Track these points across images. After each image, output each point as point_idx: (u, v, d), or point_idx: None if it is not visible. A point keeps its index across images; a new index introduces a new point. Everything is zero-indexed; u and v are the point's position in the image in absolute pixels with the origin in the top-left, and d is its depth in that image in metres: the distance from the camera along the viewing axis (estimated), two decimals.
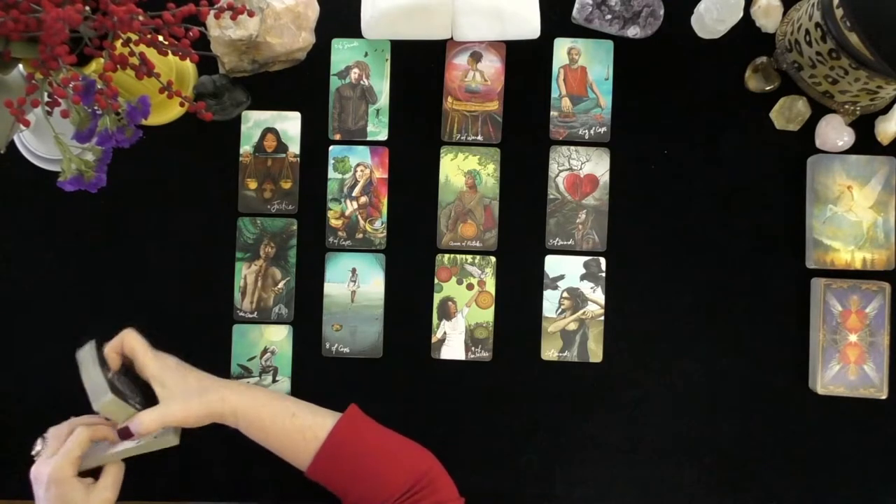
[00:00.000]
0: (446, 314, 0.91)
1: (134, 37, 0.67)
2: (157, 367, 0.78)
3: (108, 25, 0.64)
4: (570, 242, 0.91)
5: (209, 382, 0.79)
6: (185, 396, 0.76)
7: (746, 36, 0.92)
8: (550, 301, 0.91)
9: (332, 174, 0.92)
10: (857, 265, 0.89)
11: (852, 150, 0.90)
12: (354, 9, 0.90)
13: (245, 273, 0.91)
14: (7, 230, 0.92)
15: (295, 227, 0.92)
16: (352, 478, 0.77)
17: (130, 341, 0.79)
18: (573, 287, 0.91)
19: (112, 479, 0.75)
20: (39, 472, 0.74)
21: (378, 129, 0.92)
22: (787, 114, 0.91)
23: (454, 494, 0.78)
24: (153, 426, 0.75)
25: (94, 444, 0.76)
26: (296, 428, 0.77)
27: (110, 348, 0.79)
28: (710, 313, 0.91)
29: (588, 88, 0.92)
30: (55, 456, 0.73)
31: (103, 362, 0.79)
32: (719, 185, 0.92)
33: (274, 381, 0.91)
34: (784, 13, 0.91)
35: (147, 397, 0.79)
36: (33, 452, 0.77)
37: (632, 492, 0.91)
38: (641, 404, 0.91)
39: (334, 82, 0.93)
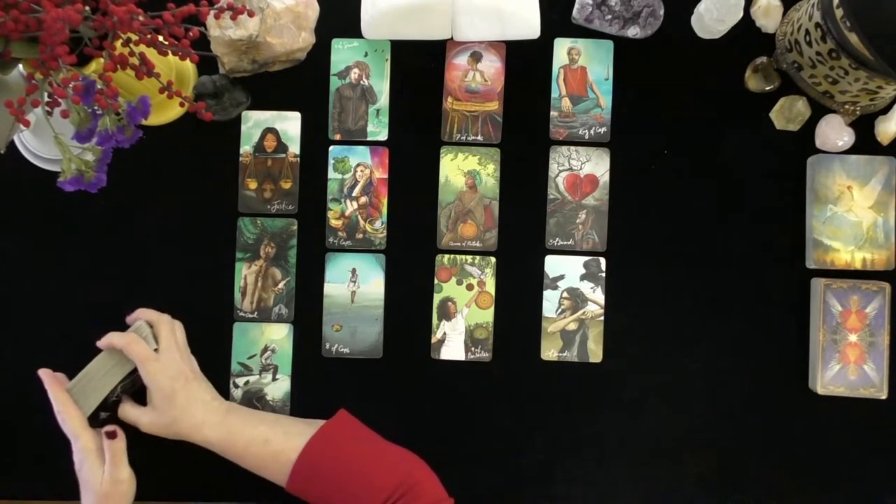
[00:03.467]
0: (446, 314, 0.91)
1: (134, 37, 0.67)
2: (152, 379, 0.81)
3: (108, 25, 0.64)
4: (570, 242, 0.91)
5: (193, 407, 0.81)
6: (160, 416, 0.81)
7: (746, 36, 0.92)
8: (550, 301, 0.91)
9: (332, 174, 0.92)
10: (857, 265, 0.89)
11: (852, 150, 0.90)
12: (354, 9, 0.90)
13: (245, 273, 0.91)
14: (7, 230, 0.92)
15: (295, 227, 0.92)
16: (327, 493, 0.77)
17: (135, 350, 0.81)
18: (573, 287, 0.91)
19: (113, 464, 0.80)
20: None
21: (378, 129, 0.92)
22: (787, 114, 0.91)
23: (440, 496, 0.78)
24: (127, 420, 0.83)
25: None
26: (269, 453, 0.80)
27: (110, 344, 0.83)
28: (710, 313, 0.91)
29: (588, 88, 0.92)
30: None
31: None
32: (719, 185, 0.92)
33: (274, 379, 0.91)
34: (784, 13, 0.91)
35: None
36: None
37: (632, 492, 0.91)
38: (641, 404, 0.91)
39: (334, 82, 0.93)
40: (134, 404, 0.83)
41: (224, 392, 0.90)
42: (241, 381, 0.91)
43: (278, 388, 0.91)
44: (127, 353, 0.81)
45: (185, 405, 0.80)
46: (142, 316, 0.86)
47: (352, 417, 0.84)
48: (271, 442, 0.80)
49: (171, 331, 0.84)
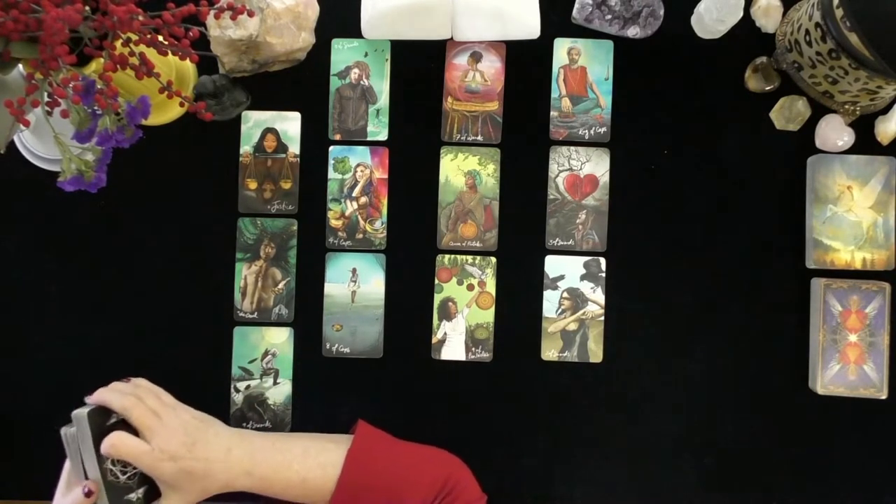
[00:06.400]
0: (447, 315, 0.91)
1: (134, 37, 0.67)
2: (153, 468, 0.71)
3: (108, 25, 0.64)
4: (570, 242, 0.91)
5: (214, 468, 0.73)
6: (187, 493, 0.73)
7: (746, 36, 0.92)
8: (550, 301, 0.91)
9: (332, 174, 0.92)
10: (857, 265, 0.89)
11: (852, 150, 0.90)
12: (354, 9, 0.90)
13: (245, 273, 0.91)
14: (7, 230, 0.92)
15: (295, 228, 0.92)
16: None
17: (119, 446, 0.71)
18: (573, 287, 0.91)
19: None
20: None
21: (378, 129, 0.92)
22: (787, 114, 0.91)
23: (477, 494, 0.78)
24: None
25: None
26: (308, 490, 0.76)
27: (103, 451, 0.71)
28: (710, 313, 0.91)
29: (588, 88, 0.92)
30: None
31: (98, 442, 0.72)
32: (719, 185, 0.92)
33: (275, 383, 0.91)
34: (784, 13, 0.91)
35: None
36: None
37: (632, 492, 0.91)
38: (641, 404, 0.91)
39: (334, 82, 0.93)
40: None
41: (225, 397, 0.90)
42: (242, 385, 0.91)
43: (279, 392, 0.91)
44: (114, 452, 0.71)
45: (203, 475, 0.73)
46: (108, 400, 0.73)
47: (373, 429, 0.82)
48: (309, 480, 0.76)
49: (146, 407, 0.73)
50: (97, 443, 0.71)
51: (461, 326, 0.91)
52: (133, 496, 0.73)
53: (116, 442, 0.70)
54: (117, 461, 0.72)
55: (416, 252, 0.92)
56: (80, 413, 0.72)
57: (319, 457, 0.77)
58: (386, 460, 0.78)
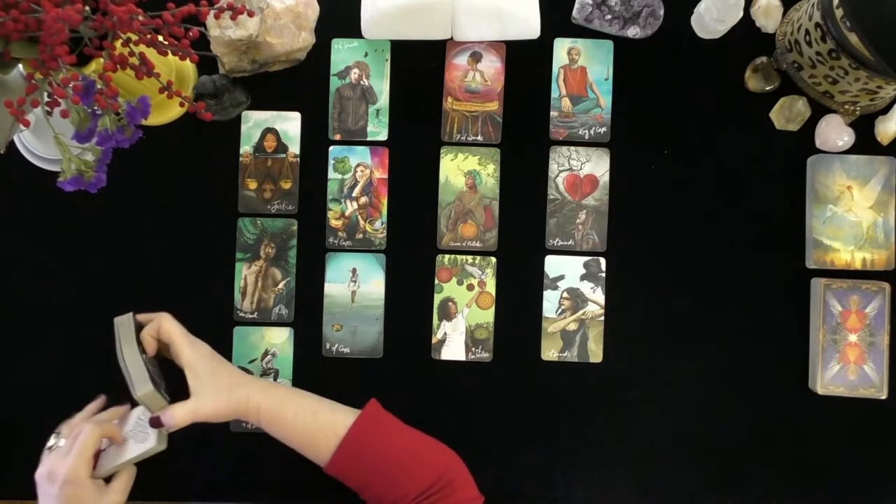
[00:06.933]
0: (447, 315, 0.91)
1: (134, 37, 0.67)
2: (194, 355, 0.78)
3: (108, 25, 0.64)
4: (570, 243, 0.91)
5: (238, 378, 0.79)
6: (216, 391, 0.77)
7: (746, 36, 0.92)
8: (550, 301, 0.91)
9: (332, 174, 0.92)
10: (857, 265, 0.89)
11: (852, 150, 0.90)
12: (354, 9, 0.90)
13: (245, 273, 0.91)
14: (7, 230, 0.92)
15: (295, 228, 0.92)
16: (370, 475, 0.77)
17: (168, 326, 0.79)
18: (573, 287, 0.91)
19: (123, 484, 0.76)
20: (53, 470, 0.73)
21: (378, 129, 0.92)
22: (787, 114, 0.91)
23: (474, 493, 0.79)
24: (185, 420, 0.75)
25: (102, 450, 0.76)
26: (317, 426, 0.77)
27: (147, 332, 0.79)
28: (710, 313, 0.91)
29: (588, 88, 0.92)
30: (70, 455, 0.73)
31: (139, 342, 0.79)
32: (719, 185, 0.92)
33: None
34: (784, 13, 0.91)
35: (169, 383, 0.79)
36: (48, 447, 0.76)
37: (632, 492, 0.91)
38: (641, 404, 0.91)
39: (334, 82, 0.93)
40: (183, 402, 0.76)
41: None
42: None
43: None
44: (162, 331, 0.78)
45: (230, 378, 0.78)
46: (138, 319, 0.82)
47: (384, 409, 0.83)
48: (319, 414, 0.78)
49: (175, 325, 0.80)
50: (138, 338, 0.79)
51: (461, 326, 0.91)
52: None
53: (166, 321, 0.79)
54: (154, 363, 0.79)
55: (416, 252, 0.92)
56: (125, 316, 0.80)
57: (333, 406, 0.80)
58: (393, 431, 0.80)
